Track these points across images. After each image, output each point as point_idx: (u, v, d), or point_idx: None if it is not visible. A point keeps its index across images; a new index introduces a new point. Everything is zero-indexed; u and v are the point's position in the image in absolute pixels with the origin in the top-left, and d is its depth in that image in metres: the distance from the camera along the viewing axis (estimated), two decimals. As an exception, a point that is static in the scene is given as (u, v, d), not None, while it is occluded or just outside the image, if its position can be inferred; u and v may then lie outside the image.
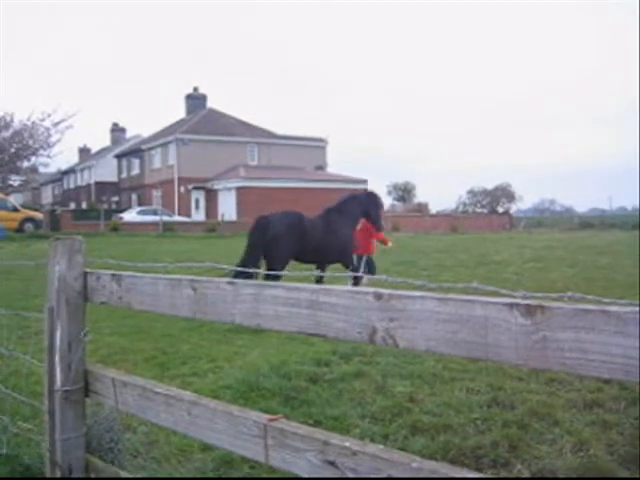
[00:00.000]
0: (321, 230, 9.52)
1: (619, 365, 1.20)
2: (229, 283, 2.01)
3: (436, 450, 3.83)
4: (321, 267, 9.86)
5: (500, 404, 4.69)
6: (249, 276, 7.03)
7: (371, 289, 1.58)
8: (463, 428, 4.22)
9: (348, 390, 5.10)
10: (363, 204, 10.33)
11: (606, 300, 1.26)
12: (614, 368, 1.21)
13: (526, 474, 3.55)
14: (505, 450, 3.87)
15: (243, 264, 8.67)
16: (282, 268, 9.03)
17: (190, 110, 55.66)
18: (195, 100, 56.02)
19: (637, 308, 1.20)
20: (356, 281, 9.34)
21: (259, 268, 8.86)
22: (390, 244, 11.26)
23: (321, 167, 53.08)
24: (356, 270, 10.25)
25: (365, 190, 10.79)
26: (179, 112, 59.61)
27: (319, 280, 8.49)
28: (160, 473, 3.54)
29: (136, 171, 55.95)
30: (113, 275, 2.60)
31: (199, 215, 47.58)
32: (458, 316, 1.40)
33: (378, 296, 1.56)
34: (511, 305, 1.32)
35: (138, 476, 3.25)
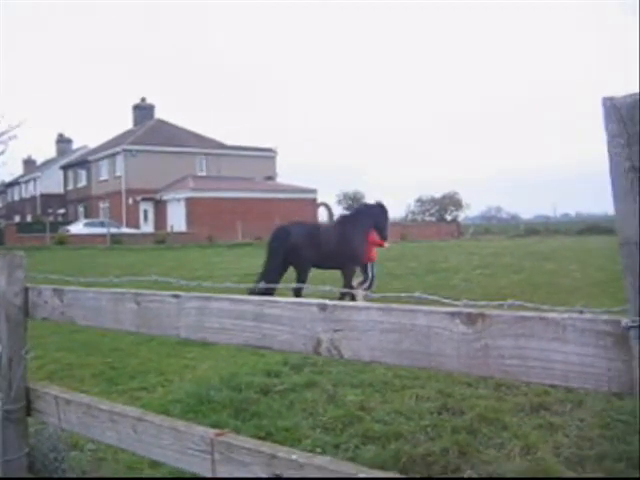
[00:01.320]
0: (336, 239, 10.14)
1: (558, 371, 1.22)
2: (173, 296, 1.98)
3: (387, 458, 3.84)
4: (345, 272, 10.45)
5: (450, 410, 4.73)
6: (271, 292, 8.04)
7: (315, 300, 1.58)
8: (413, 435, 4.24)
9: (299, 401, 5.08)
10: (374, 215, 10.90)
11: (545, 307, 1.28)
12: (553, 374, 1.23)
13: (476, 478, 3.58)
14: (455, 456, 3.90)
15: (266, 272, 9.58)
16: (306, 274, 9.87)
17: (138, 121, 55.01)
18: (143, 110, 55.41)
19: (575, 314, 1.22)
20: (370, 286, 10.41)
21: (282, 276, 9.74)
22: (387, 245, 11.88)
23: (271, 177, 53.05)
24: (366, 276, 10.90)
25: (376, 202, 11.29)
26: (126, 123, 58.83)
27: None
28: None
29: (83, 183, 55.01)
30: (55, 290, 2.54)
31: (148, 227, 47.01)
32: (401, 326, 1.41)
33: (322, 307, 1.56)
34: (453, 314, 1.33)
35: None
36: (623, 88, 1.06)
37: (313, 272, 10.39)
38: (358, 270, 10.93)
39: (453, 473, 3.70)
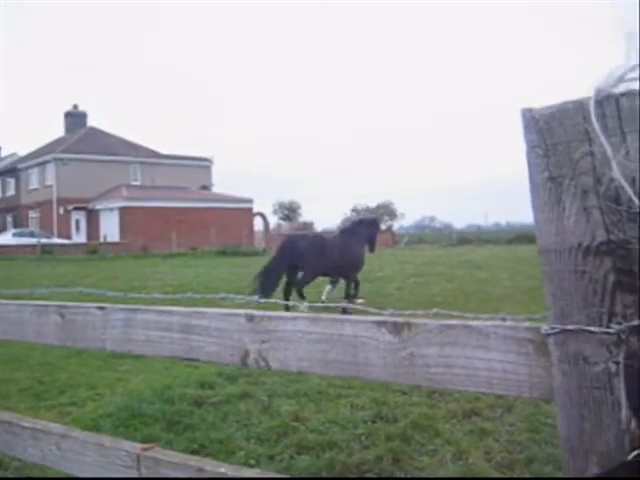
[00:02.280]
0: (339, 249, 11.46)
1: (483, 378, 1.24)
2: (99, 308, 1.93)
3: (321, 467, 3.84)
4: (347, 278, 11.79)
5: (384, 418, 4.76)
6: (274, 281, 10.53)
7: (243, 311, 1.56)
8: (348, 444, 4.25)
9: (233, 412, 5.04)
10: (370, 228, 12.41)
11: (469, 315, 1.30)
12: (478, 381, 1.25)
13: (408, 487, 3.61)
14: (389, 463, 3.92)
15: (268, 269, 10.82)
16: (312, 279, 11.37)
17: (69, 128, 53.82)
18: (75, 118, 54.27)
19: (498, 322, 1.24)
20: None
21: (281, 278, 10.96)
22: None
23: (206, 187, 52.65)
24: (355, 282, 11.88)
25: (370, 216, 13.69)
26: (58, 130, 57.45)
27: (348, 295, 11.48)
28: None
29: (11, 192, 53.42)
30: (-26, 304, 2.44)
31: (80, 237, 45.98)
32: (328, 335, 1.40)
33: (250, 317, 1.54)
34: (379, 323, 1.34)
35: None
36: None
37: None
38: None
39: (387, 481, 3.72)
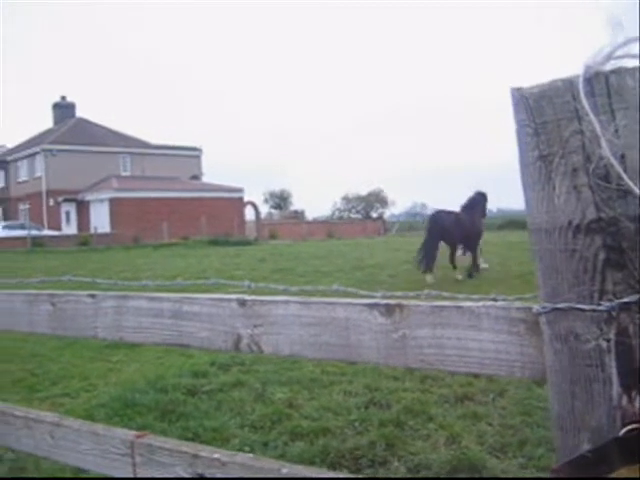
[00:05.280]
0: (469, 223, 13.59)
1: (475, 359, 1.24)
2: (89, 296, 1.92)
3: (315, 454, 3.85)
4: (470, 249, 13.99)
5: (377, 404, 4.78)
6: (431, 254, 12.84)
7: (234, 295, 1.56)
8: (341, 430, 4.27)
9: (227, 400, 5.04)
10: (483, 200, 14.49)
11: (460, 296, 1.30)
12: (470, 362, 1.25)
13: (402, 470, 3.63)
14: (382, 449, 3.94)
15: (425, 245, 12.99)
16: (454, 249, 13.56)
17: (58, 119, 53.47)
18: (63, 109, 53.92)
19: (489, 303, 1.24)
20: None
21: (438, 250, 13.13)
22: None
23: (196, 176, 52.48)
24: (476, 252, 14.02)
25: (480, 192, 14.59)
26: (46, 121, 57.10)
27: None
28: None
29: (1, 184, 53.05)
30: (-35, 294, 2.43)
31: (70, 228, 45.76)
32: (320, 319, 1.40)
33: (242, 302, 1.54)
34: (371, 305, 1.34)
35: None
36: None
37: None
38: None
39: (381, 466, 3.74)
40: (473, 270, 13.66)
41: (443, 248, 13.66)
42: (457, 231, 13.29)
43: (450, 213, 13.88)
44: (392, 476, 3.57)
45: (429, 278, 12.65)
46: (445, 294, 1.32)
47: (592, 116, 0.98)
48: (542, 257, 1.08)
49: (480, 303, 1.23)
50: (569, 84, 1.02)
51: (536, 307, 1.10)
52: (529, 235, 1.11)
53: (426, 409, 4.58)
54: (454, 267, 13.42)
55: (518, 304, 1.19)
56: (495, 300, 1.24)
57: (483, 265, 14.20)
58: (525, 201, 1.11)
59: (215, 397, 5.15)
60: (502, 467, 3.60)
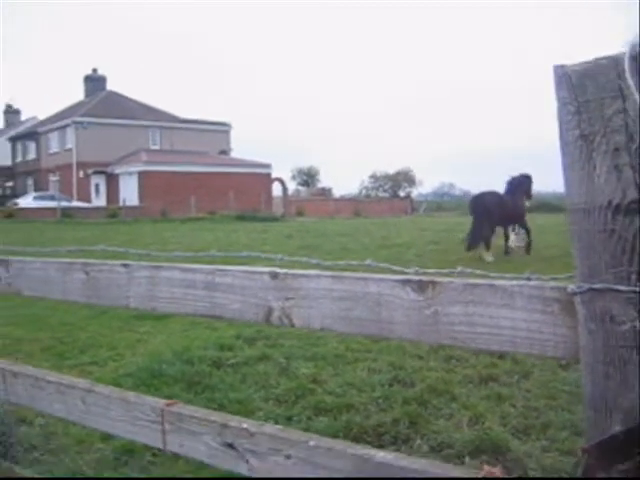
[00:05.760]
0: (510, 204, 13.89)
1: (507, 337, 1.24)
2: (123, 265, 1.95)
3: (339, 429, 3.88)
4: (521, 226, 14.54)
5: (401, 382, 4.79)
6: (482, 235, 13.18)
7: (267, 269, 1.57)
8: (365, 407, 4.29)
9: (252, 374, 5.09)
10: (526, 182, 14.86)
11: (493, 274, 1.30)
12: (502, 340, 1.25)
13: (425, 448, 3.65)
14: (405, 426, 3.96)
15: (472, 225, 13.50)
16: (493, 229, 13.68)
17: (89, 92, 53.76)
18: (94, 82, 54.17)
19: (523, 281, 1.24)
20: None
21: (487, 228, 13.35)
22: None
23: (225, 151, 52.56)
24: (528, 230, 14.41)
25: (523, 174, 14.99)
26: (77, 94, 57.44)
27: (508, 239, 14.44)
28: (57, 465, 3.43)
29: (32, 155, 53.64)
30: (0, 260, 2.48)
31: (99, 200, 46.20)
32: (352, 293, 1.41)
33: (274, 275, 1.55)
34: (404, 281, 1.34)
35: (32, 468, 3.13)
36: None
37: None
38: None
39: (403, 443, 3.76)
40: (528, 248, 14.16)
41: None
42: (498, 212, 13.54)
43: (493, 194, 14.24)
44: (415, 453, 3.59)
45: (487, 257, 13.18)
46: (478, 272, 1.32)
47: (637, 95, 0.96)
48: (580, 237, 1.08)
49: (514, 282, 1.23)
50: (614, 62, 1.00)
51: (571, 287, 1.10)
52: (567, 215, 1.10)
53: (450, 389, 4.58)
54: (487, 248, 13.54)
55: (552, 284, 1.19)
56: (529, 279, 1.24)
57: (514, 244, 14.64)
58: (564, 181, 1.10)
59: (240, 370, 5.20)
60: (525, 449, 3.60)
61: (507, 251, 14.28)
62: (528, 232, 14.39)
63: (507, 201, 14.02)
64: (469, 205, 14.87)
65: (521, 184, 14.72)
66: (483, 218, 13.44)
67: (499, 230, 14.22)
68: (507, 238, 14.51)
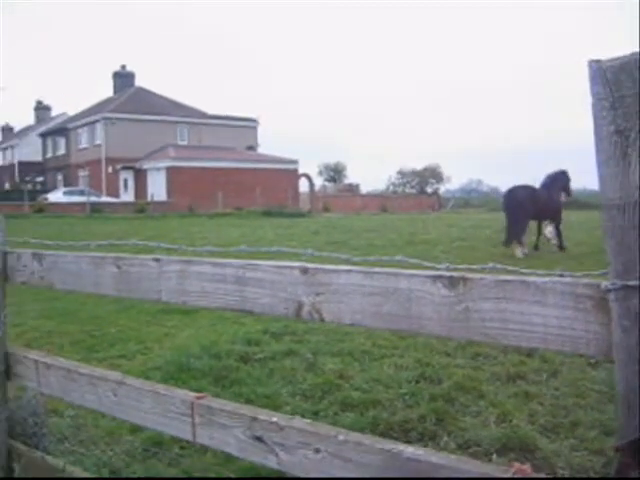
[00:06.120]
0: (544, 198, 13.87)
1: (538, 334, 1.24)
2: (154, 260, 1.97)
3: (365, 425, 3.88)
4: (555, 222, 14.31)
5: (427, 379, 4.78)
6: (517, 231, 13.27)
7: (297, 263, 1.58)
8: (392, 403, 4.29)
9: (279, 369, 5.12)
10: (563, 179, 14.79)
11: (525, 271, 1.29)
12: (533, 337, 1.25)
13: (452, 445, 3.64)
14: (432, 423, 3.95)
15: (508, 221, 13.52)
16: (526, 223, 13.73)
17: (118, 88, 54.30)
18: (123, 78, 54.69)
19: (555, 278, 1.23)
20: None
21: (520, 224, 13.39)
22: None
23: (252, 147, 52.73)
24: (558, 227, 14.32)
25: (561, 170, 14.91)
26: (106, 90, 58.02)
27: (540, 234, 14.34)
28: (87, 457, 3.48)
29: (62, 151, 54.32)
30: (34, 254, 2.52)
31: (128, 196, 46.63)
32: (383, 289, 1.41)
33: (304, 270, 1.56)
34: (435, 277, 1.34)
35: (64, 460, 3.18)
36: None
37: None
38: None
39: (430, 440, 3.75)
40: (561, 244, 14.14)
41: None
42: (531, 206, 13.55)
43: (526, 188, 14.21)
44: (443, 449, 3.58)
45: (518, 252, 13.18)
46: (510, 268, 1.32)
47: (674, 90, 0.95)
48: (614, 233, 1.07)
49: (546, 278, 1.22)
50: (651, 57, 0.99)
51: (605, 284, 1.09)
52: (600, 211, 1.09)
53: (477, 386, 4.56)
54: (519, 243, 13.52)
55: (585, 280, 1.18)
56: (561, 276, 1.23)
57: (551, 238, 14.56)
58: (598, 177, 1.09)
59: (267, 365, 5.22)
60: (553, 448, 3.57)
61: (537, 247, 14.25)
62: (557, 228, 14.32)
63: (540, 195, 13.99)
64: (502, 200, 14.82)
65: (557, 179, 14.71)
66: (517, 212, 13.46)
67: (532, 225, 14.16)
68: (540, 233, 14.44)
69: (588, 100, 1.09)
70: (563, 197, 14.98)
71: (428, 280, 1.34)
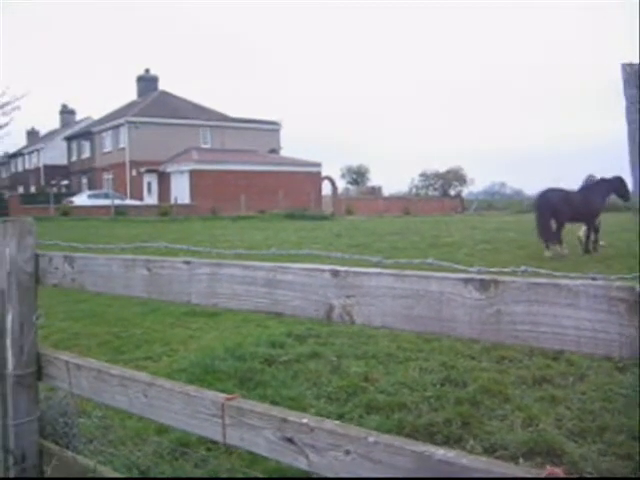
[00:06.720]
0: (578, 201, 13.99)
1: (571, 337, 1.24)
2: (185, 262, 1.99)
3: (391, 428, 3.88)
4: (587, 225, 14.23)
5: (453, 382, 4.77)
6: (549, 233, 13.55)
7: (327, 266, 1.59)
8: (417, 406, 4.28)
9: (303, 371, 5.13)
10: (613, 185, 14.75)
11: (557, 274, 1.29)
12: (565, 340, 1.25)
13: (478, 449, 3.63)
14: (458, 427, 3.94)
15: (538, 223, 13.76)
16: (562, 225, 13.86)
17: (141, 92, 54.78)
18: (146, 82, 55.15)
19: (588, 281, 1.23)
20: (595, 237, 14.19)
21: (552, 226, 13.72)
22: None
23: (275, 150, 52.87)
24: (597, 229, 14.27)
25: (615, 177, 14.94)
26: (130, 94, 58.55)
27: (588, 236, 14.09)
28: (116, 457, 3.51)
29: (86, 154, 54.90)
30: (65, 257, 2.55)
31: (151, 199, 46.97)
32: (414, 292, 1.42)
33: (335, 273, 1.57)
34: (466, 280, 1.34)
35: (94, 460, 3.21)
36: None
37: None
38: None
39: (455, 443, 3.74)
40: (594, 246, 14.11)
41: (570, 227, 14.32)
42: (565, 209, 13.76)
43: (560, 191, 14.47)
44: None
45: (547, 252, 13.43)
46: (542, 271, 1.32)
47: None
48: (648, 237, 1.07)
49: (579, 281, 1.22)
50: (686, 60, 0.99)
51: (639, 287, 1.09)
52: (634, 214, 1.09)
53: (503, 390, 4.54)
54: (558, 242, 13.71)
55: (619, 283, 1.18)
56: (594, 279, 1.23)
57: (601, 242, 14.60)
58: (632, 179, 1.10)
59: (292, 367, 5.24)
60: (581, 452, 3.54)
61: (587, 250, 14.19)
62: (589, 231, 14.24)
63: (574, 197, 14.14)
64: (535, 202, 15.06)
65: (599, 184, 14.71)
66: (548, 214, 13.69)
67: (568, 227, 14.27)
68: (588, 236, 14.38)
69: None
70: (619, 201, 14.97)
71: (459, 283, 1.35)
